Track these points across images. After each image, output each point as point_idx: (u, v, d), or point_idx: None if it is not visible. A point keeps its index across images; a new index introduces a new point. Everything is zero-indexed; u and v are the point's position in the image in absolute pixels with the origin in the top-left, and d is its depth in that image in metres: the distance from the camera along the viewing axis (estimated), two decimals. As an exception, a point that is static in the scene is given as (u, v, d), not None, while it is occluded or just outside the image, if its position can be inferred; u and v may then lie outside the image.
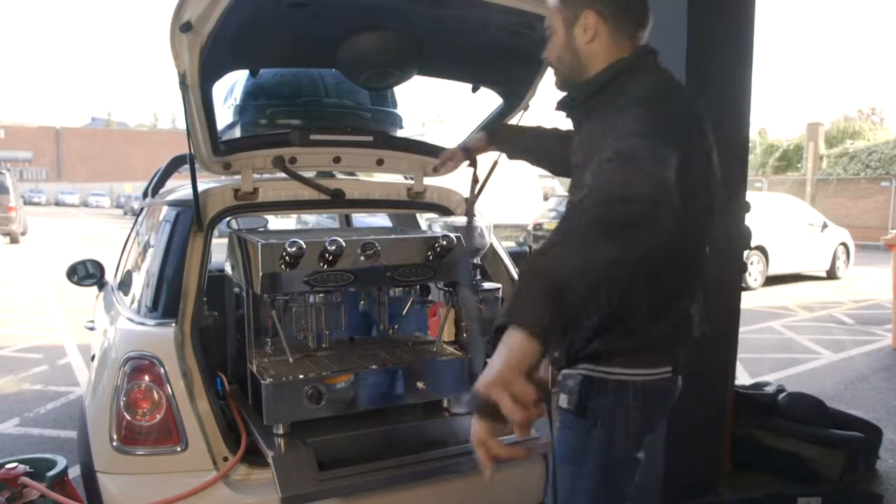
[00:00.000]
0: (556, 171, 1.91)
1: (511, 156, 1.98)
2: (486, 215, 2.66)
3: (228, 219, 2.56)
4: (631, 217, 1.02)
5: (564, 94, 1.53)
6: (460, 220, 2.42)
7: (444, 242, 2.15)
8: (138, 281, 2.51)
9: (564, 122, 1.66)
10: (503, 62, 2.39)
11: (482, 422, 0.99)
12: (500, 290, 2.29)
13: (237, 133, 2.60)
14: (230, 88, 2.72)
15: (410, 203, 2.66)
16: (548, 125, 1.93)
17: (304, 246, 1.93)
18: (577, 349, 1.41)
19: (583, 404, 1.40)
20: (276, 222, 8.83)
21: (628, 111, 1.28)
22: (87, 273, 3.50)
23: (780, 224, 10.46)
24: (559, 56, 1.49)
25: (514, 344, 0.96)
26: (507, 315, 0.99)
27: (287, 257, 1.93)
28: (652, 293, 1.35)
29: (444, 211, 2.70)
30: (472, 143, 2.01)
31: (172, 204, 2.44)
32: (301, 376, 1.97)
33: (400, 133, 2.86)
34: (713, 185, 1.39)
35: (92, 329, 3.25)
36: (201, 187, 2.28)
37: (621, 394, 1.39)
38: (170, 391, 1.89)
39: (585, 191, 1.10)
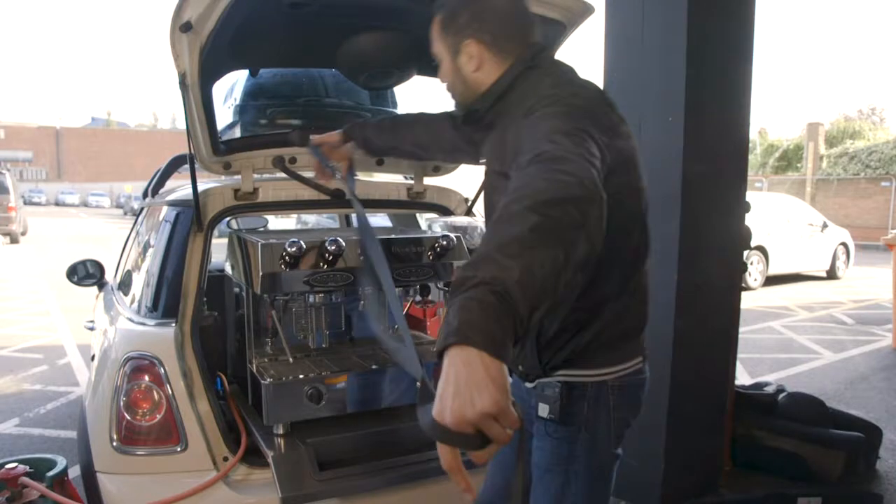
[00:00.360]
0: (437, 157, 1.88)
1: (376, 153, 1.97)
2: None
3: (228, 219, 2.56)
4: (567, 219, 0.97)
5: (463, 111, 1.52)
6: (460, 221, 2.42)
7: (444, 242, 2.15)
8: (138, 281, 2.51)
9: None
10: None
11: (452, 448, 0.87)
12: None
13: (237, 133, 2.59)
14: (230, 88, 2.72)
15: (410, 203, 2.66)
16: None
17: (304, 246, 1.93)
18: (548, 358, 1.40)
19: (565, 412, 1.38)
20: (276, 222, 8.82)
21: (541, 110, 1.25)
22: (87, 273, 3.50)
23: (780, 224, 10.46)
24: (450, 84, 1.48)
25: (486, 367, 0.82)
26: (459, 334, 0.84)
27: (287, 257, 1.93)
28: (609, 286, 1.35)
29: (444, 211, 2.70)
30: (326, 140, 1.97)
31: (172, 204, 2.44)
32: (301, 376, 1.97)
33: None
34: (638, 169, 1.37)
35: (92, 329, 3.25)
36: (201, 187, 2.28)
37: (601, 395, 1.39)
38: (170, 391, 1.89)
39: (512, 194, 1.03)
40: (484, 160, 1.51)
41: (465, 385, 0.81)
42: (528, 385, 1.47)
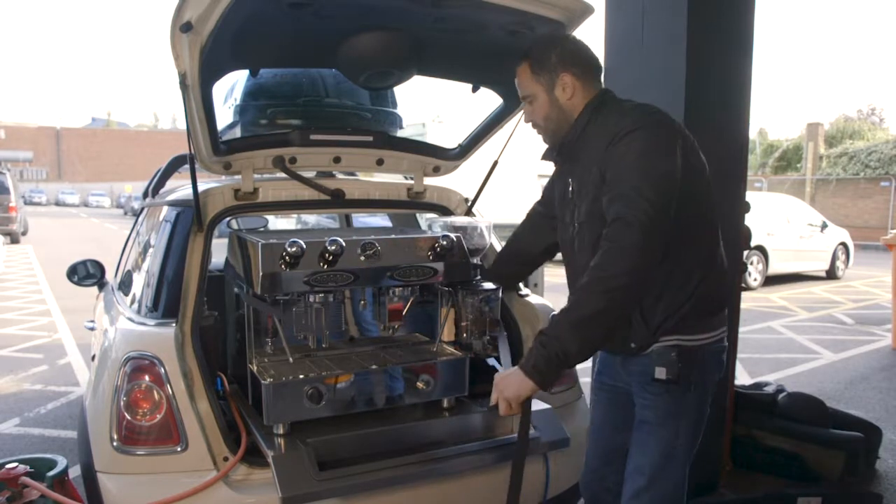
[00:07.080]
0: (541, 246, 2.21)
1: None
2: (487, 215, 2.66)
3: (228, 219, 2.56)
4: (627, 296, 1.57)
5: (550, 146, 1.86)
6: (460, 221, 2.42)
7: (444, 242, 2.14)
8: (138, 281, 2.51)
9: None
10: (503, 62, 2.38)
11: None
12: (500, 291, 2.29)
13: (237, 133, 2.60)
14: (230, 88, 2.72)
15: (410, 203, 2.66)
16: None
17: (304, 246, 1.93)
18: (656, 326, 1.67)
19: (681, 373, 1.66)
20: (276, 222, 8.82)
21: (625, 137, 1.60)
22: (87, 273, 3.50)
23: (780, 224, 10.47)
24: (545, 116, 1.80)
25: (521, 386, 1.62)
26: (525, 366, 1.61)
27: (287, 257, 1.93)
28: (699, 263, 1.69)
29: (444, 211, 2.70)
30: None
31: (172, 204, 2.44)
32: (301, 376, 1.97)
33: (400, 133, 2.86)
34: (705, 167, 1.74)
35: (92, 329, 3.25)
36: (201, 187, 2.28)
37: (707, 357, 1.71)
38: (170, 391, 1.89)
39: (591, 272, 1.55)
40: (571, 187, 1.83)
41: (508, 386, 1.64)
42: (635, 356, 1.73)
